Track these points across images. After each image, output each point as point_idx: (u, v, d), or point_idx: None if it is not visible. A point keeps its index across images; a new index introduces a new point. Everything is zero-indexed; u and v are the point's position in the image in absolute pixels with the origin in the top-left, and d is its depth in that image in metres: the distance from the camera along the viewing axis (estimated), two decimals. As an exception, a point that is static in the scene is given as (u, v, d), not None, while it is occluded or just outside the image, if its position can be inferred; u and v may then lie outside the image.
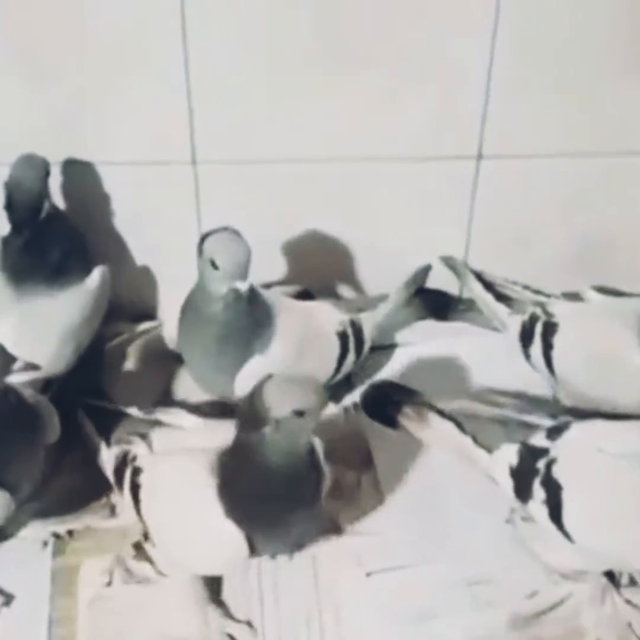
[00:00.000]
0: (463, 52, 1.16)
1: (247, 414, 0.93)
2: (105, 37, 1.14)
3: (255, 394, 0.92)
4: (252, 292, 1.06)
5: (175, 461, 1.02)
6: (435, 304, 1.35)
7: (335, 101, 1.20)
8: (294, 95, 1.19)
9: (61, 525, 1.12)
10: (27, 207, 1.13)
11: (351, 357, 1.21)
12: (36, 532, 1.12)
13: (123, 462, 1.06)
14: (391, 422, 1.13)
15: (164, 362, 1.29)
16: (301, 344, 1.13)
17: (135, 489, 1.03)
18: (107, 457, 1.09)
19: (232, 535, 0.95)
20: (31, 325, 1.14)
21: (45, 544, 1.12)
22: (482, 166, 1.25)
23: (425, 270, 1.33)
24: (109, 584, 1.07)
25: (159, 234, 1.30)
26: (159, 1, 1.11)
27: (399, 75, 1.18)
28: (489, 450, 1.06)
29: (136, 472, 1.04)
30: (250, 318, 1.09)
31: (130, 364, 1.33)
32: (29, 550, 1.11)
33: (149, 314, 1.38)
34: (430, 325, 1.35)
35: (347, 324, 1.21)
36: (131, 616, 1.04)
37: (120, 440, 1.09)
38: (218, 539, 0.96)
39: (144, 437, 1.07)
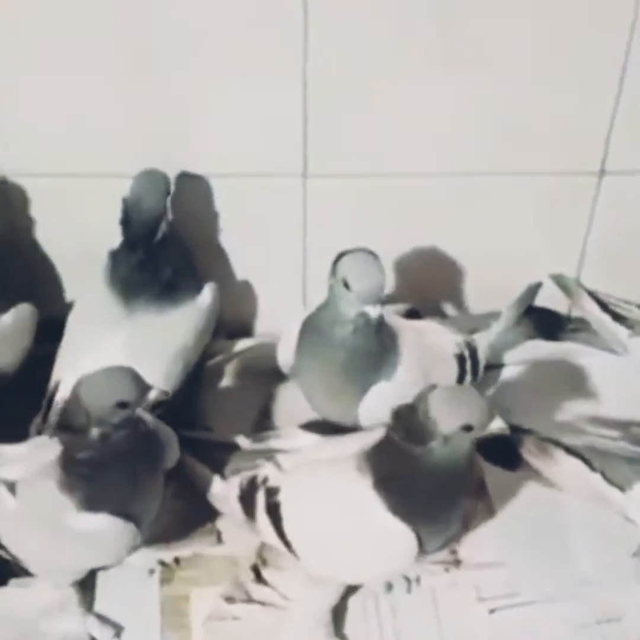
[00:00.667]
0: (596, 63, 1.11)
1: (410, 425, 0.91)
2: (218, 40, 1.09)
3: (421, 406, 0.90)
4: (381, 317, 1.02)
5: (318, 471, 0.99)
6: (544, 323, 1.30)
7: (450, 113, 1.15)
8: (408, 106, 1.14)
9: (167, 553, 1.09)
10: (144, 225, 1.09)
11: (468, 379, 1.16)
12: (142, 559, 1.07)
13: (252, 486, 1.02)
14: (512, 465, 1.10)
15: (263, 381, 1.25)
16: (424, 368, 1.09)
17: (274, 509, 1.00)
18: (224, 488, 1.05)
19: (399, 530, 0.92)
20: (142, 343, 1.11)
21: (151, 571, 1.08)
22: (605, 182, 1.20)
23: (536, 288, 1.29)
24: (224, 611, 1.04)
25: (262, 249, 1.25)
26: (280, 2, 1.07)
27: (518, 86, 1.13)
28: (621, 488, 1.02)
29: (272, 492, 1.00)
30: (378, 343, 1.05)
31: (227, 383, 1.29)
32: (135, 577, 1.08)
33: (246, 331, 1.34)
34: (539, 345, 1.30)
35: (463, 345, 1.16)
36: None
37: (238, 469, 1.05)
38: (385, 536, 0.93)
39: (269, 458, 1.03)
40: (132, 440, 0.92)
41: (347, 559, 0.97)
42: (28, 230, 1.22)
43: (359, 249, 1.01)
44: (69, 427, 0.92)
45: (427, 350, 1.11)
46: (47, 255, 1.25)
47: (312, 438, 1.07)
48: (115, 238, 1.12)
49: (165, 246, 1.11)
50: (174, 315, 1.13)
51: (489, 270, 1.28)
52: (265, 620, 1.03)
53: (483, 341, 1.20)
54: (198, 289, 1.15)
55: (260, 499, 1.01)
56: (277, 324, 1.27)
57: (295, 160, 1.18)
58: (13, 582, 1.06)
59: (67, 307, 1.21)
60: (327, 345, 1.05)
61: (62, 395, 1.12)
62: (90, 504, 0.93)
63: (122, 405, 0.90)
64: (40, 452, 0.96)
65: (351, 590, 1.05)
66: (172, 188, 1.12)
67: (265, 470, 1.02)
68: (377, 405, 1.04)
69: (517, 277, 1.28)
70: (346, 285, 1.00)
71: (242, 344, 1.32)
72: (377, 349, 1.05)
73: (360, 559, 0.96)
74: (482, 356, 1.19)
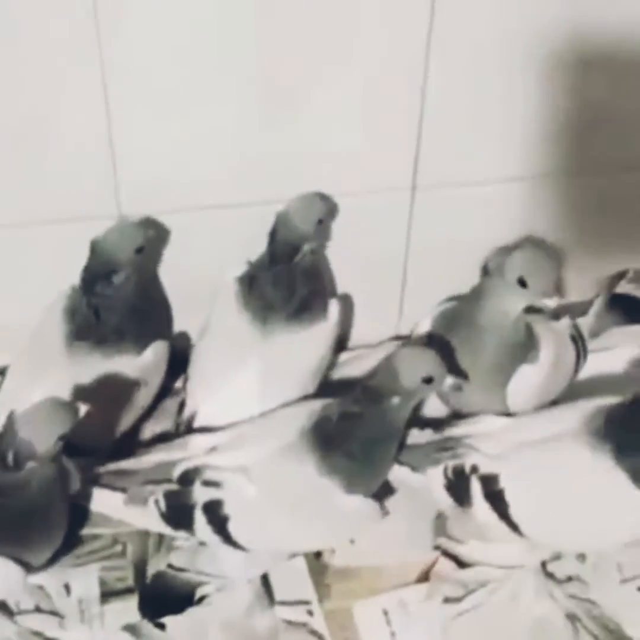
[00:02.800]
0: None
1: (371, 387, 1.00)
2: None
3: (384, 363, 0.99)
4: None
5: (543, 452, 1.02)
6: (631, 309, 1.36)
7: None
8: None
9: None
10: (290, 244, 1.12)
11: (582, 362, 1.22)
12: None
13: (460, 476, 1.05)
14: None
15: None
16: (557, 349, 1.14)
17: (496, 496, 1.03)
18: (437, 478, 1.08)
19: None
20: (280, 364, 1.13)
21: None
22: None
23: (621, 275, 1.35)
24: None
25: (364, 261, 1.28)
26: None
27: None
28: None
29: (489, 480, 1.04)
30: (527, 330, 1.10)
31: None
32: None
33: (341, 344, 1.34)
34: (627, 330, 1.35)
35: (573, 328, 1.22)
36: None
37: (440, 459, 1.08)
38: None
39: (462, 446, 1.07)
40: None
41: (586, 530, 1.01)
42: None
43: (525, 240, 1.06)
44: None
45: (555, 332, 1.16)
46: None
47: (501, 421, 1.09)
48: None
49: (303, 266, 1.14)
50: (308, 333, 1.16)
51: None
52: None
53: (585, 325, 1.26)
54: (325, 304, 1.18)
55: (476, 487, 1.04)
56: (372, 336, 1.32)
57: (406, 174, 1.20)
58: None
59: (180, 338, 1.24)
60: (480, 338, 1.10)
61: (199, 423, 1.15)
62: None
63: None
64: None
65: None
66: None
67: (472, 458, 1.05)
68: (523, 388, 1.09)
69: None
70: (522, 283, 1.04)
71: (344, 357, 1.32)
72: (525, 335, 1.10)
73: (602, 528, 1.00)
74: (587, 338, 1.25)
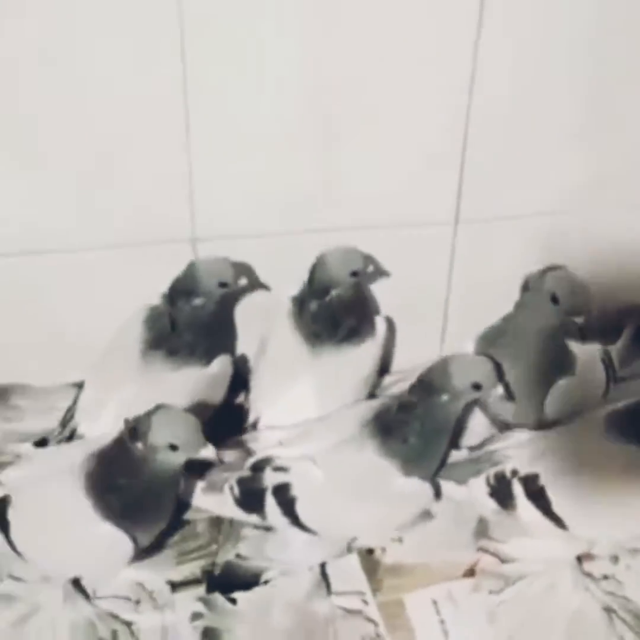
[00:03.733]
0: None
1: (426, 380, 1.11)
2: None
3: (441, 362, 1.11)
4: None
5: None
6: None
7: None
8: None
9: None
10: (323, 285, 1.24)
11: (612, 385, 1.32)
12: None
13: (503, 481, 1.15)
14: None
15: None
16: (588, 368, 1.25)
17: (539, 494, 1.13)
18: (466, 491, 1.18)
19: None
20: (330, 379, 1.24)
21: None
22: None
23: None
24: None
25: (406, 291, 1.38)
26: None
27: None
28: None
29: (531, 480, 1.13)
30: (563, 346, 1.22)
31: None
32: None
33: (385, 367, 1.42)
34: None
35: (602, 352, 1.32)
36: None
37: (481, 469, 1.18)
38: None
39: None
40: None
41: (622, 515, 1.11)
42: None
43: (559, 267, 1.19)
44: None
45: (586, 352, 1.27)
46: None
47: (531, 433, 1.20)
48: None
49: (343, 298, 1.25)
50: (357, 351, 1.26)
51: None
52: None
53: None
54: (373, 324, 1.29)
55: (518, 489, 1.13)
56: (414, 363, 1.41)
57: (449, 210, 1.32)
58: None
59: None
60: (521, 351, 1.20)
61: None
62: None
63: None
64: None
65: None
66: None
67: (511, 463, 1.15)
68: (560, 402, 1.22)
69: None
70: (554, 299, 1.17)
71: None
72: (561, 351, 1.22)
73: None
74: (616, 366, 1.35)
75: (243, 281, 1.25)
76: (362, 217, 1.30)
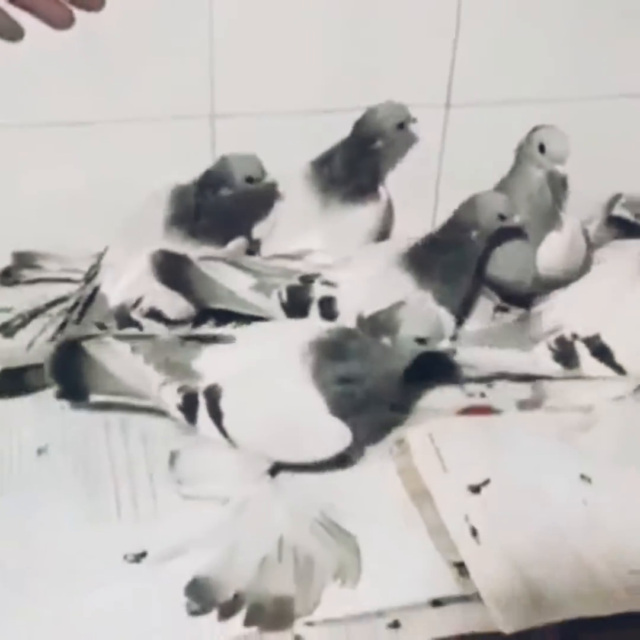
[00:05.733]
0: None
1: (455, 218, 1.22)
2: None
3: (467, 201, 1.22)
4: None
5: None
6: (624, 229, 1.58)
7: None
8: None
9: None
10: (370, 136, 1.38)
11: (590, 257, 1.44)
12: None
13: (565, 345, 1.27)
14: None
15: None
16: (574, 228, 1.38)
17: (603, 349, 1.28)
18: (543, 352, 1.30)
19: None
20: (338, 230, 1.37)
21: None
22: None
23: (616, 198, 1.59)
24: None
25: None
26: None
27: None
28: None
29: (591, 340, 1.28)
30: (552, 200, 1.34)
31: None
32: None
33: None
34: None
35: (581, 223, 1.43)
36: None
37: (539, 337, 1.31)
38: None
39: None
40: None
41: None
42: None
43: (545, 125, 1.32)
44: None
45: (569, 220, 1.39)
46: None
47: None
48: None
49: (370, 157, 1.38)
50: (362, 209, 1.40)
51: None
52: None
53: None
54: (377, 190, 1.42)
55: (582, 350, 1.28)
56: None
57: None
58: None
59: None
60: (518, 203, 1.30)
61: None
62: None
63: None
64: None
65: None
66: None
67: (571, 328, 1.29)
68: (551, 253, 1.34)
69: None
70: (542, 148, 1.29)
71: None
72: (551, 205, 1.34)
73: None
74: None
75: (270, 178, 1.36)
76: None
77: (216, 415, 1.08)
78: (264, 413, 1.08)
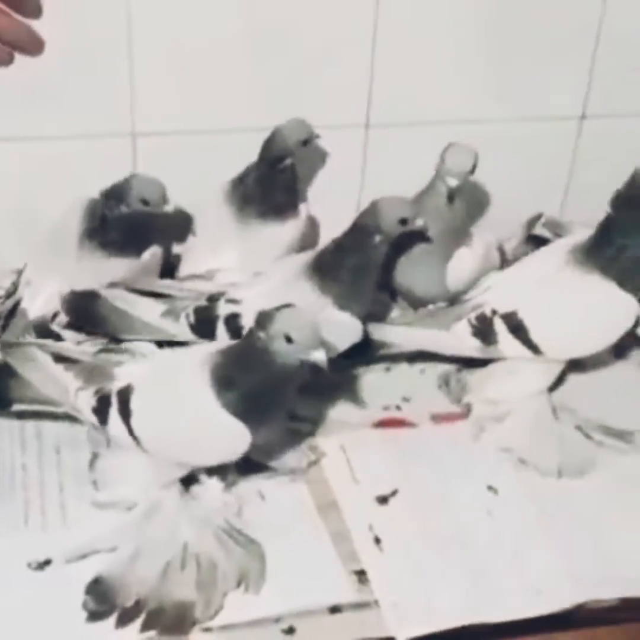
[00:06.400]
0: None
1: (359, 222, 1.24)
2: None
3: (370, 206, 1.24)
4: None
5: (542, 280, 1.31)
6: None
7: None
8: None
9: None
10: (278, 155, 1.38)
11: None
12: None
13: (485, 321, 1.30)
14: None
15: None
16: (487, 243, 1.43)
17: (519, 326, 1.29)
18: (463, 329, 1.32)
19: None
20: (254, 247, 1.39)
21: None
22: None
23: (537, 218, 1.62)
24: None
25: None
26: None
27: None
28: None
29: (509, 316, 1.29)
30: (462, 217, 1.39)
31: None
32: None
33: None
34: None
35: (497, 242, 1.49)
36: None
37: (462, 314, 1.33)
38: None
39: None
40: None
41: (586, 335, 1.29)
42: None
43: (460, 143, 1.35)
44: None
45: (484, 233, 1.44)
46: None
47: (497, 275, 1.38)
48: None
49: (282, 174, 1.39)
50: (280, 226, 1.41)
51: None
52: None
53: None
54: (296, 207, 1.43)
55: (500, 326, 1.30)
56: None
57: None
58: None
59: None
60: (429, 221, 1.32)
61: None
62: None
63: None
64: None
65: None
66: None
67: (490, 305, 1.31)
68: (460, 269, 1.37)
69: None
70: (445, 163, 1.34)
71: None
72: (460, 221, 1.38)
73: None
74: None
75: (169, 207, 1.36)
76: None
77: (126, 414, 1.09)
78: (169, 413, 1.09)
